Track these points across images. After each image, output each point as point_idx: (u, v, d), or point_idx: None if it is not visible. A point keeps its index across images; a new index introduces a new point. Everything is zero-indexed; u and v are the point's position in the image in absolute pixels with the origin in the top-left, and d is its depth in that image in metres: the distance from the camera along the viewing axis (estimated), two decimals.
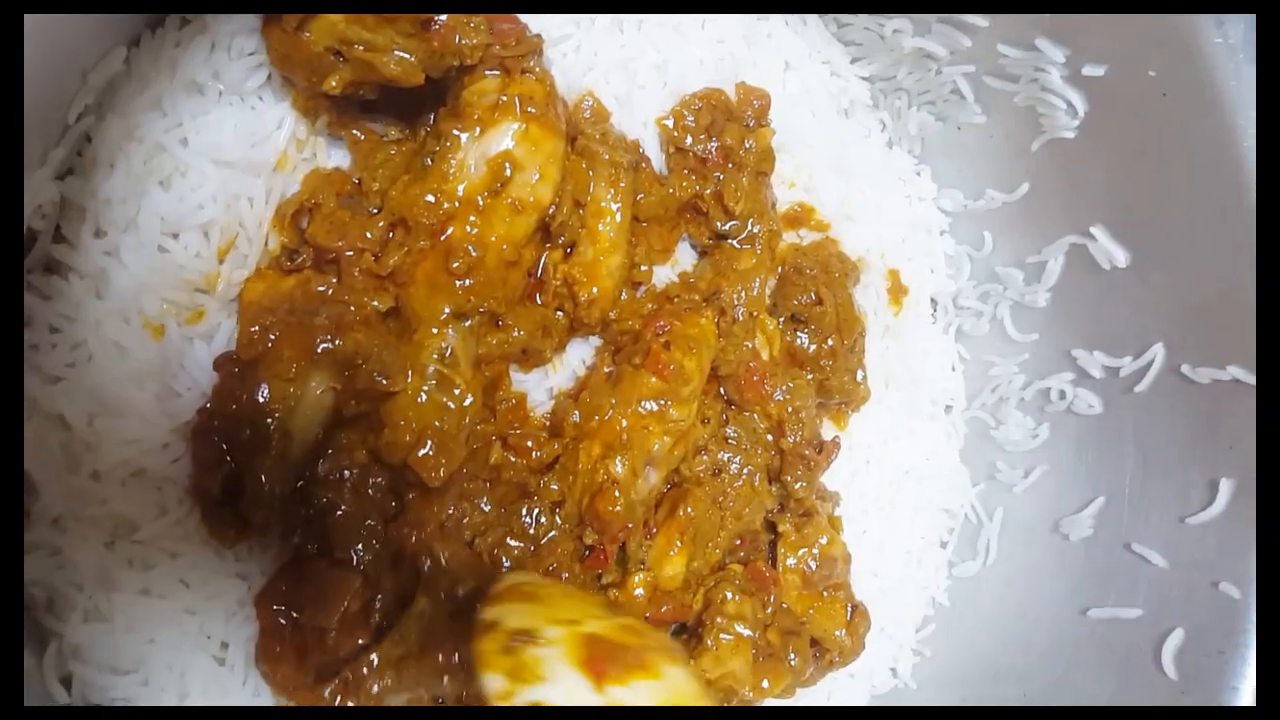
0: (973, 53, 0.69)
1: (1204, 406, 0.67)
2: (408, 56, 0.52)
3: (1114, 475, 0.72)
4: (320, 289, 0.53)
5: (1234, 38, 0.58)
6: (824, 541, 0.68)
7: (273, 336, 0.52)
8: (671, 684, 0.47)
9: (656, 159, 0.68)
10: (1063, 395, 0.75)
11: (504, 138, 0.56)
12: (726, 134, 0.68)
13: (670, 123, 0.68)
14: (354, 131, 0.58)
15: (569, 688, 0.45)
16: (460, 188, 0.55)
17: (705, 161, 0.68)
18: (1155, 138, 0.64)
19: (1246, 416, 0.64)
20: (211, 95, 0.54)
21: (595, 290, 0.61)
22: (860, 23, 0.73)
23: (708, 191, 0.67)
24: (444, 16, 0.52)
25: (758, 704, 0.67)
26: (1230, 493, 0.65)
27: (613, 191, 0.63)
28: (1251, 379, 0.63)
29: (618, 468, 0.59)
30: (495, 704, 0.45)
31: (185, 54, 0.53)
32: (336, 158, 0.59)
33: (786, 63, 0.74)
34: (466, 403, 0.55)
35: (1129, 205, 0.68)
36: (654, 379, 0.59)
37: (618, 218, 0.63)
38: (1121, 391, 0.71)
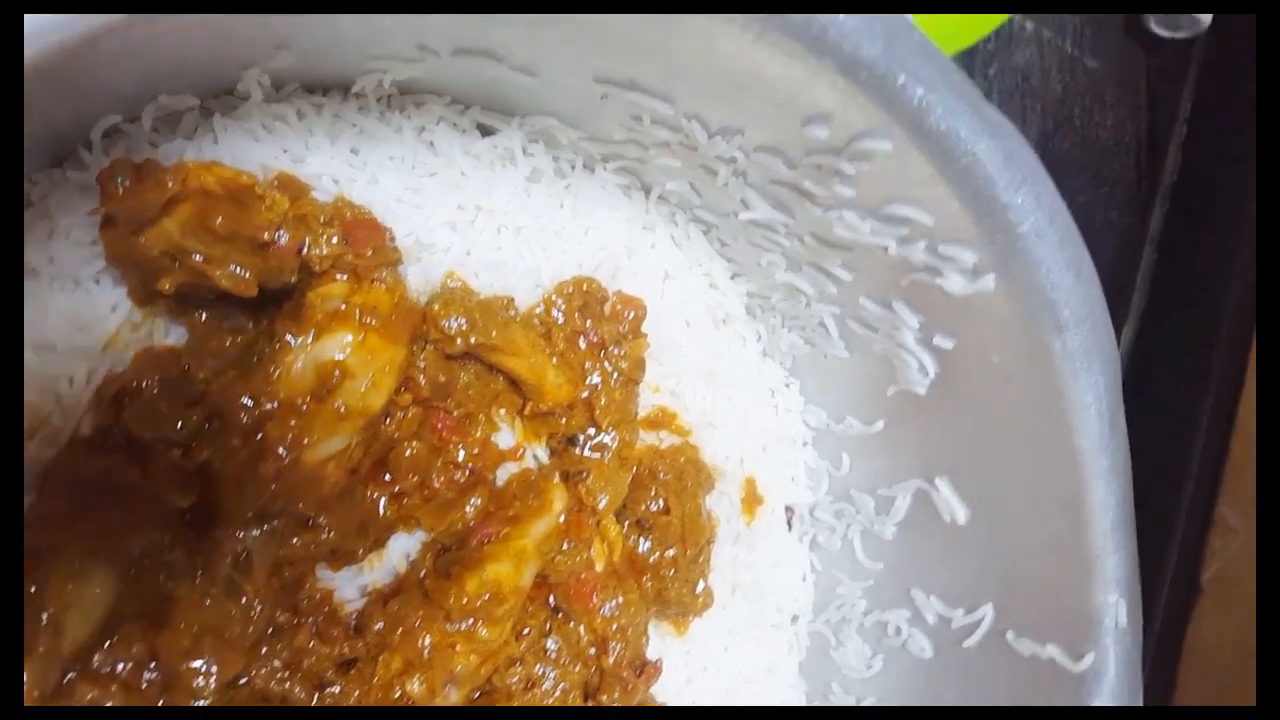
0: (838, 297, 0.68)
1: (1022, 680, 0.66)
2: (242, 272, 0.52)
3: None
4: (123, 480, 0.52)
5: (1072, 345, 0.59)
6: None
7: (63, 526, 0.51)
8: None
9: None
10: (899, 631, 0.73)
11: (338, 346, 0.55)
12: (601, 328, 0.68)
13: (541, 309, 0.68)
14: (194, 314, 0.57)
15: None
16: (282, 391, 0.54)
17: (580, 336, 0.68)
18: (997, 415, 0.64)
19: (1060, 697, 0.64)
20: (44, 279, 0.52)
21: None
22: (739, 245, 0.73)
23: (582, 397, 0.67)
24: (285, 236, 0.52)
25: None
26: None
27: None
28: (1070, 664, 0.63)
29: (415, 686, 0.57)
30: None
31: (24, 237, 0.52)
32: (176, 333, 0.58)
33: (666, 273, 0.73)
34: (253, 612, 0.53)
35: (971, 468, 0.68)
36: (465, 599, 0.58)
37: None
38: (951, 643, 0.70)
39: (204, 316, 0.57)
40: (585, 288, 0.67)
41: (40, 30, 0.33)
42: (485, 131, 0.68)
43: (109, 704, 0.51)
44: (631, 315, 0.69)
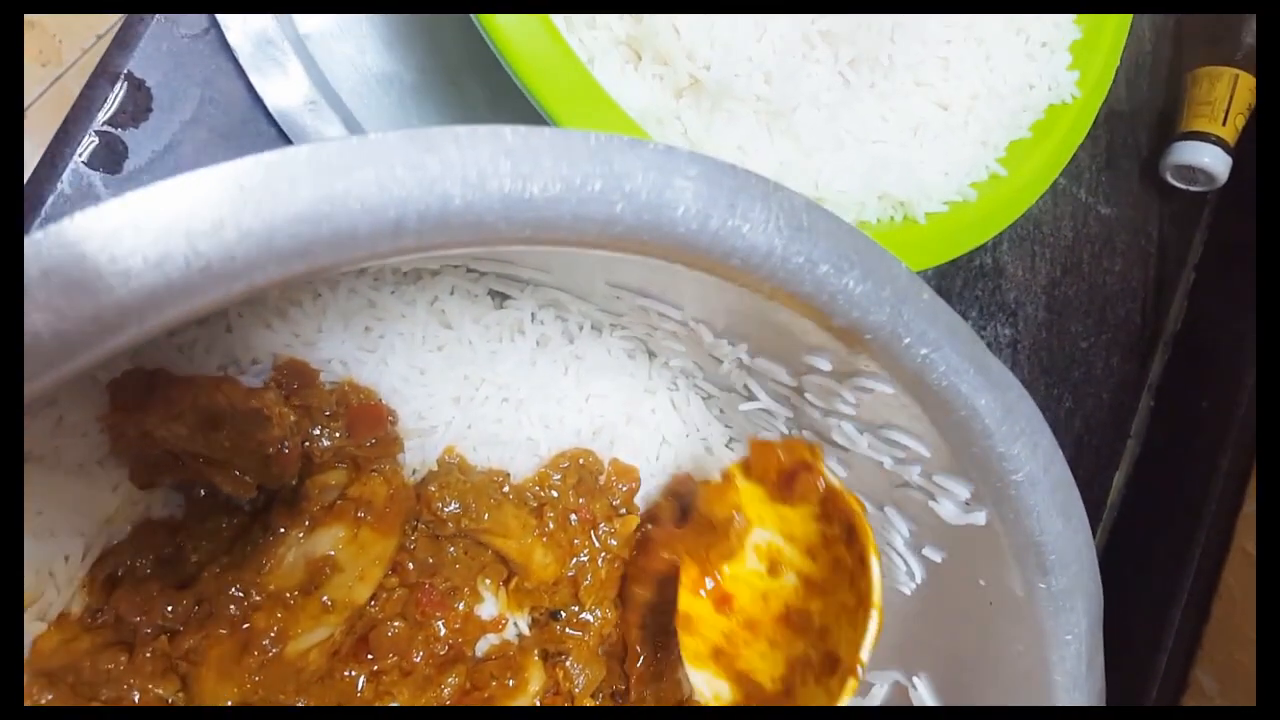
0: None
1: None
2: (244, 477, 0.53)
3: None
4: (109, 666, 0.53)
5: (1057, 587, 0.59)
6: None
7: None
8: None
9: None
10: None
11: (330, 542, 0.56)
12: (594, 502, 0.69)
13: (536, 485, 0.68)
14: (194, 489, 0.58)
15: None
16: (272, 584, 0.55)
17: (572, 513, 0.68)
18: (977, 633, 0.64)
19: None
20: (47, 465, 0.52)
21: None
22: (737, 417, 0.73)
23: (568, 574, 0.68)
24: (289, 445, 0.52)
25: None
26: None
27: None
28: None
29: None
30: None
31: (31, 423, 0.53)
32: (174, 503, 0.59)
33: (664, 438, 0.74)
34: None
35: (950, 676, 0.68)
36: None
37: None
38: None
39: (202, 493, 0.57)
40: (582, 462, 0.68)
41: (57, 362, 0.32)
42: (495, 295, 0.68)
43: None
44: (625, 489, 0.70)
